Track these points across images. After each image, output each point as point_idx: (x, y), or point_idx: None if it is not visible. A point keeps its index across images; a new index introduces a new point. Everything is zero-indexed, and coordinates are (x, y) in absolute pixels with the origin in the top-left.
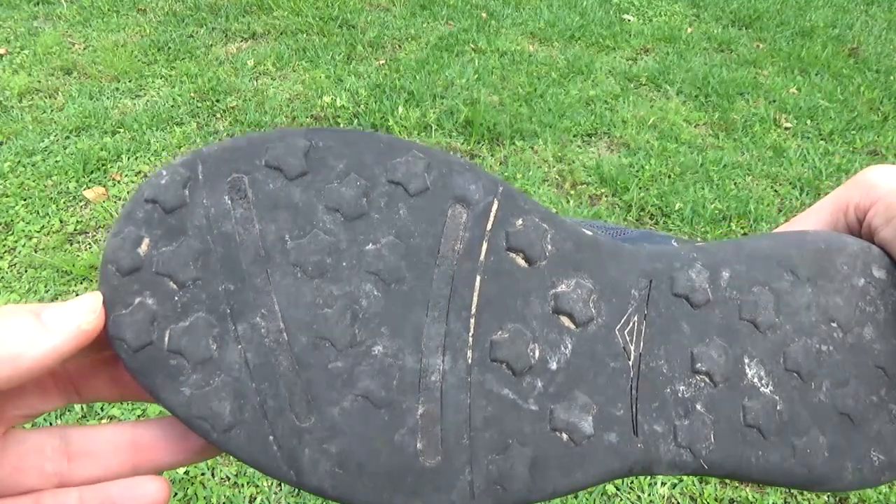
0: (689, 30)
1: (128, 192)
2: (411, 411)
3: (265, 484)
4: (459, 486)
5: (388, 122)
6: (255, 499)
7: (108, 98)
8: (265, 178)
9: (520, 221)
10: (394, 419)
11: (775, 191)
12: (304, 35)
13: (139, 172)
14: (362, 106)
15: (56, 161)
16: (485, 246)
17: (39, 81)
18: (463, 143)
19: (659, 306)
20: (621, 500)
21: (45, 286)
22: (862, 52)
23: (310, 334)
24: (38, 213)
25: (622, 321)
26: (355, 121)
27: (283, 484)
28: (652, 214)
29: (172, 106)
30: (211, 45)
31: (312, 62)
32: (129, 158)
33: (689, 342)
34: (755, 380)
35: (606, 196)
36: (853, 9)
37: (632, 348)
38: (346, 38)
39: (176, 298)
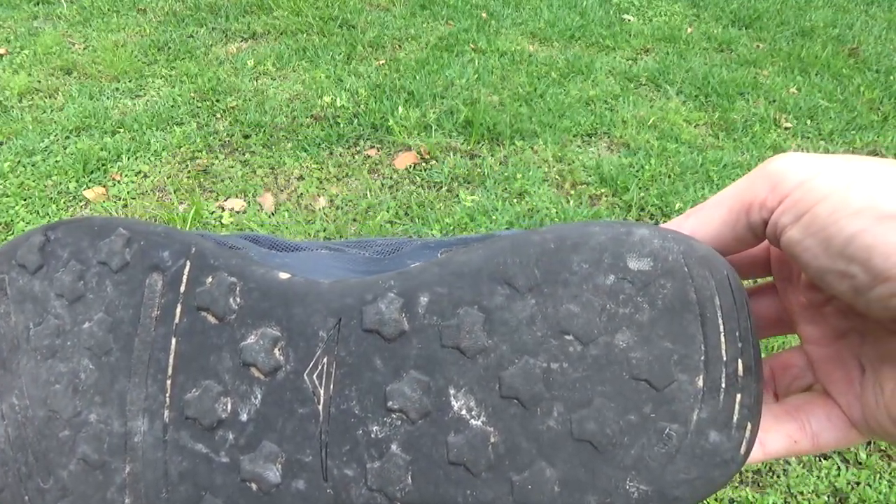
0: (689, 30)
1: (128, 192)
2: (119, 471)
3: None
4: None
5: (388, 122)
6: None
7: (108, 98)
8: (17, 275)
9: (209, 279)
10: (106, 479)
11: None
12: (304, 35)
13: (139, 172)
14: (362, 106)
15: (56, 161)
16: (179, 308)
17: (39, 81)
18: (463, 143)
19: (349, 344)
20: None
21: None
22: (862, 52)
23: (45, 409)
24: (39, 213)
25: (311, 365)
26: (355, 121)
27: None
28: (652, 214)
29: (172, 106)
30: (211, 45)
31: (312, 62)
32: (129, 158)
33: (384, 379)
34: (463, 412)
35: (606, 196)
36: (853, 9)
37: (321, 392)
38: (346, 38)
39: None
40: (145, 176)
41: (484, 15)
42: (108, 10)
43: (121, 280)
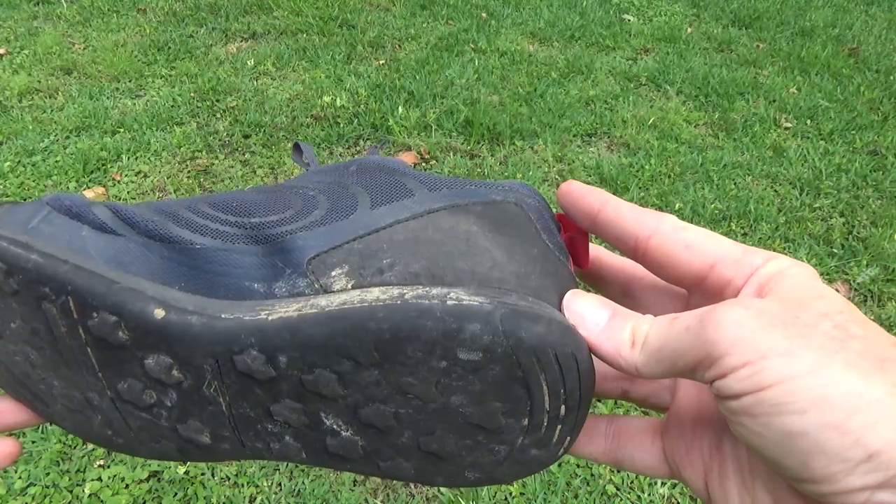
0: (689, 30)
1: (128, 192)
2: (94, 418)
3: (265, 484)
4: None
5: (388, 122)
6: (255, 499)
7: (108, 98)
8: None
9: (95, 315)
10: (87, 419)
11: (775, 191)
12: (304, 35)
13: (139, 172)
14: (362, 106)
15: (56, 161)
16: (81, 329)
17: (39, 81)
18: (463, 143)
19: (231, 377)
20: (621, 500)
21: None
22: (862, 52)
23: (19, 369)
24: None
25: (205, 384)
26: (355, 121)
27: (283, 484)
28: None
29: (172, 106)
30: (211, 45)
31: (312, 62)
32: (129, 158)
33: (266, 400)
34: (335, 426)
35: None
36: (853, 9)
37: (220, 400)
38: (346, 38)
39: None
40: (145, 176)
41: (484, 15)
42: (108, 10)
43: (20, 301)
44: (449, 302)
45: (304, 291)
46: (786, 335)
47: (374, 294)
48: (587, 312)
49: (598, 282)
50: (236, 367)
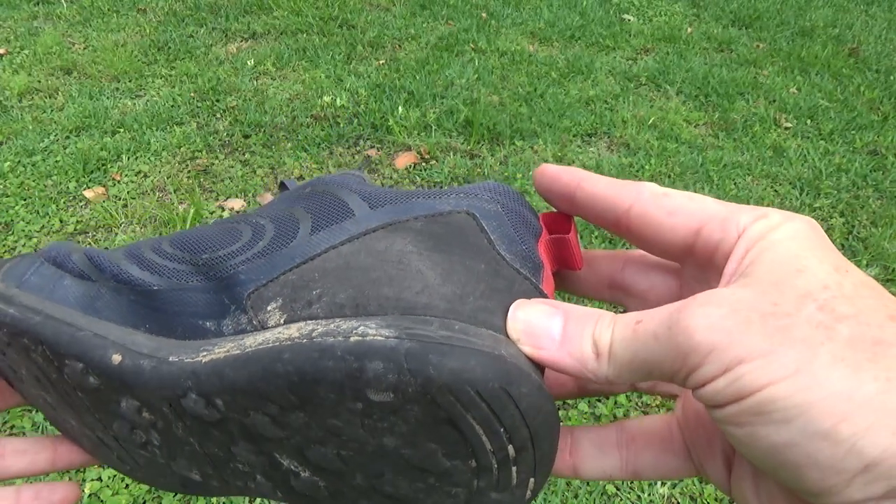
0: (689, 30)
1: (128, 192)
2: (110, 449)
3: None
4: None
5: (388, 122)
6: (255, 499)
7: (108, 98)
8: None
9: (67, 363)
10: (106, 449)
11: (775, 191)
12: (304, 35)
13: (139, 172)
14: (362, 106)
15: (56, 161)
16: (64, 374)
17: (39, 81)
18: (463, 143)
19: (187, 419)
20: (621, 499)
21: None
22: (862, 52)
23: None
24: (38, 212)
25: (173, 425)
26: (355, 121)
27: None
28: None
29: (172, 106)
30: (211, 45)
31: (312, 62)
32: (129, 158)
33: (226, 442)
34: (292, 467)
35: None
36: (853, 9)
37: (192, 440)
38: (346, 38)
39: None
40: (145, 176)
41: (484, 15)
42: (108, 10)
43: (15, 351)
44: (352, 338)
45: (245, 328)
46: (765, 331)
47: (291, 331)
48: (537, 327)
49: (582, 280)
50: (186, 412)
